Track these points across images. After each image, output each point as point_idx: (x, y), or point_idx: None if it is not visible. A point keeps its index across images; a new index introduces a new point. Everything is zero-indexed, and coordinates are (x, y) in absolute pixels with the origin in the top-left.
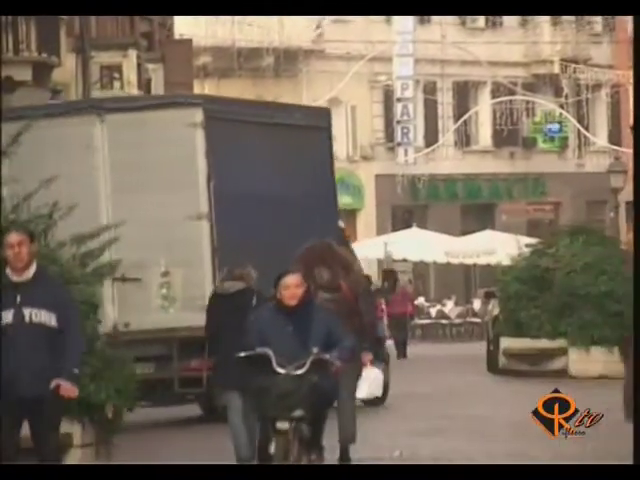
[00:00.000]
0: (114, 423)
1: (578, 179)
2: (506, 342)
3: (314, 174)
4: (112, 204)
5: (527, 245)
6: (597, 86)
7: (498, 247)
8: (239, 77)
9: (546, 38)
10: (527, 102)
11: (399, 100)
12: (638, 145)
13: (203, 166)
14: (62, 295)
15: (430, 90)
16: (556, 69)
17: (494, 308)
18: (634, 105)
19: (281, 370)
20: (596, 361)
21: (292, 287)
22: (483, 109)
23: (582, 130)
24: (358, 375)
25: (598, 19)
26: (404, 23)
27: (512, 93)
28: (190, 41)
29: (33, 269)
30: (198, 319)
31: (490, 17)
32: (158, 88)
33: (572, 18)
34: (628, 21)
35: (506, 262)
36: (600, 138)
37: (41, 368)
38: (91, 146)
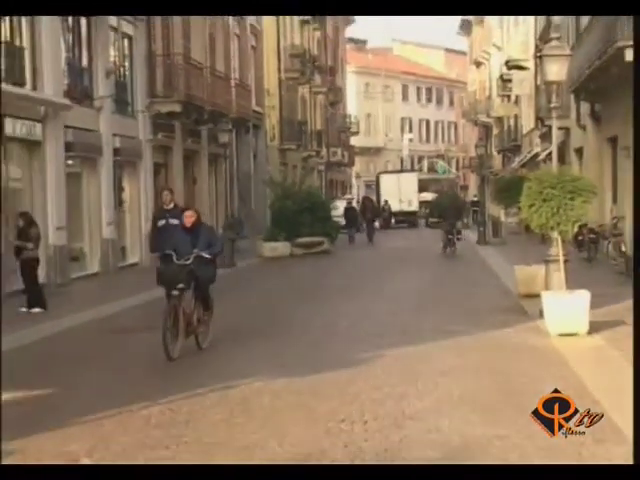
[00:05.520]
0: (333, 241)
1: (449, 180)
2: (433, 222)
3: None
4: None
5: (433, 196)
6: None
7: (428, 196)
8: (370, 157)
9: None
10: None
11: (404, 161)
12: (637, 146)
13: None
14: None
15: (411, 160)
16: None
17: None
18: (634, 105)
19: (177, 262)
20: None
21: (188, 217)
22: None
23: (451, 170)
24: (359, 225)
25: None
26: (406, 142)
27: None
28: (353, 146)
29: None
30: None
31: None
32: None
33: None
34: None
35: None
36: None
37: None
38: None
